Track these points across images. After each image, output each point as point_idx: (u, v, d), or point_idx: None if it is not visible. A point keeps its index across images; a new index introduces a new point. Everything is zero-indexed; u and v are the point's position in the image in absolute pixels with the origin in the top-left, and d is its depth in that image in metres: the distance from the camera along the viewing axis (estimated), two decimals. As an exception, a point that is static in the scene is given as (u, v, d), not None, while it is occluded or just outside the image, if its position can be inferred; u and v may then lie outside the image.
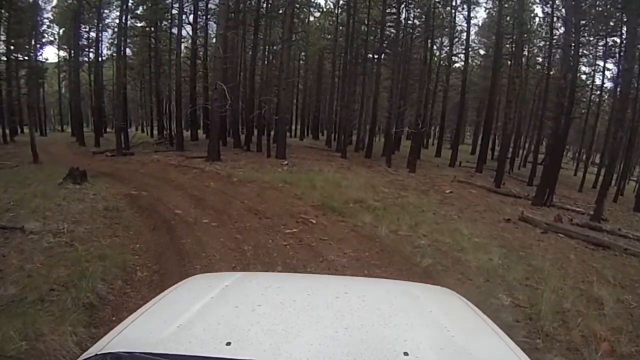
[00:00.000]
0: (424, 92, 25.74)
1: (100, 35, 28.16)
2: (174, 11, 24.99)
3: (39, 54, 33.40)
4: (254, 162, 17.82)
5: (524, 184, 21.13)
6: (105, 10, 29.26)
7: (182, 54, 29.16)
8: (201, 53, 28.21)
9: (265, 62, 26.93)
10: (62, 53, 36.17)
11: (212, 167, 15.22)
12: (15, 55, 30.40)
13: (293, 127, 42.72)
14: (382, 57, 26.49)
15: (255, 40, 25.87)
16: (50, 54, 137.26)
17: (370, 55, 28.98)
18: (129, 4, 25.21)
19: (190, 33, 25.41)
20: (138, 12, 30.99)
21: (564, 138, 18.32)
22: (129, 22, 31.72)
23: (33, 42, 31.94)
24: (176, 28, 22.98)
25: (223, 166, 15.57)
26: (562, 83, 15.62)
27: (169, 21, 27.01)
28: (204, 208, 9.20)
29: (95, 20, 25.48)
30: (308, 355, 1.10)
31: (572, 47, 15.61)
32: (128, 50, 33.99)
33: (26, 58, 32.35)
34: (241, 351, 1.10)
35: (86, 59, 30.44)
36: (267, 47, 27.07)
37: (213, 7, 27.42)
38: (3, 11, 26.52)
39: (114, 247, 6.16)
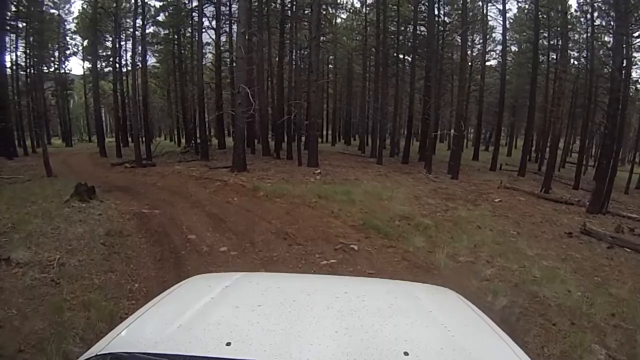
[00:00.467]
0: (465, 91, 23.86)
1: (119, 44, 27.88)
2: (196, 17, 24.62)
3: (64, 65, 34.33)
4: (283, 171, 16.37)
5: (569, 187, 18.92)
6: (128, 20, 29.10)
7: (206, 60, 29.03)
8: (227, 59, 27.52)
9: (293, 66, 25.64)
10: (87, 64, 35.96)
11: (237, 178, 13.85)
12: (39, 66, 31.05)
13: (324, 132, 41.62)
14: (414, 56, 25.33)
15: (281, 43, 24.96)
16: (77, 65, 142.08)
17: (401, 56, 27.81)
18: (150, 11, 25.05)
19: (214, 38, 24.70)
20: (159, 18, 31.06)
21: (620, 137, 16.58)
22: (151, 29, 32.00)
23: (57, 54, 33.02)
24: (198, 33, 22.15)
25: (249, 177, 14.18)
26: (617, 76, 13.53)
27: (191, 27, 26.95)
28: (223, 231, 7.78)
29: (113, 29, 24.84)
30: (308, 355, 1.11)
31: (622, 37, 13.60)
32: (152, 59, 34.75)
33: (51, 69, 33.70)
34: (241, 351, 1.11)
35: (111, 68, 30.00)
36: (294, 50, 25.81)
37: (237, 11, 26.52)
38: (22, 24, 26.48)
39: (107, 288, 5.17)
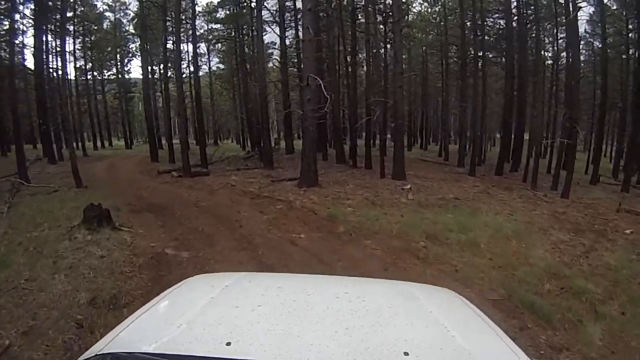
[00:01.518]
0: (575, 90, 19.19)
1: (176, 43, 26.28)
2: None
3: (125, 68, 34.24)
4: (364, 186, 13.09)
5: None
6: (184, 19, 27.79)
7: (271, 59, 27.29)
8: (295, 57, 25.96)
9: (369, 60, 22.29)
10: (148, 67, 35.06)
11: (306, 197, 10.71)
12: (100, 70, 31.20)
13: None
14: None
15: (353, 34, 21.88)
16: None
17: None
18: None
19: (278, 32, 22.84)
20: (218, 15, 30.16)
21: None
22: (205, 25, 32.03)
23: (118, 57, 33.00)
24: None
25: (321, 196, 10.98)
26: None
27: (251, 21, 25.01)
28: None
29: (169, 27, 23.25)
30: (308, 355, 1.11)
31: None
32: (215, 59, 34.90)
33: (112, 72, 33.88)
34: (241, 351, 1.12)
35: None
36: (370, 42, 22.47)
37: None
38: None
39: None
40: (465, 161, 21.06)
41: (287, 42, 25.66)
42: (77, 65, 31.25)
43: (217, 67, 37.20)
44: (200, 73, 34.26)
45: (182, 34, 28.00)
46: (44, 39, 18.50)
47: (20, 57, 20.96)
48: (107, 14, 32.67)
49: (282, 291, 1.65)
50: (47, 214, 8.69)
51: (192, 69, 19.49)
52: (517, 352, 1.29)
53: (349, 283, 2.02)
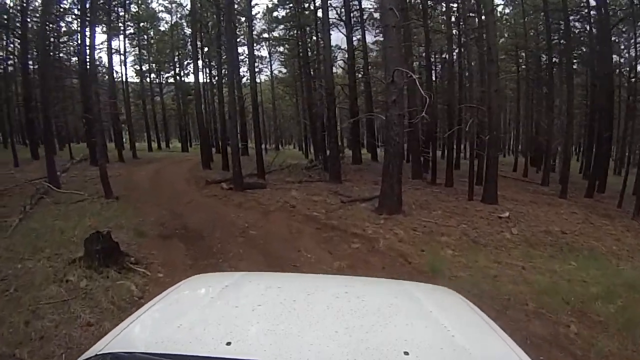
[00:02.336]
0: None
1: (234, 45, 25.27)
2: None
3: (185, 71, 33.62)
4: (454, 212, 10.52)
5: None
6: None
7: (335, 61, 25.86)
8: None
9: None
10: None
11: (389, 230, 8.19)
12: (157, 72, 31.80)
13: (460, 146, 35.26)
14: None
15: (426, 33, 19.41)
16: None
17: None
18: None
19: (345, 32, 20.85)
20: (277, 14, 29.60)
21: None
22: (271, 26, 31.33)
23: (176, 59, 32.65)
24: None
25: (408, 228, 8.47)
26: None
27: (316, 23, 24.30)
28: None
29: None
30: (308, 355, 1.11)
31: None
32: (277, 63, 34.08)
33: (170, 75, 33.95)
34: (241, 351, 1.12)
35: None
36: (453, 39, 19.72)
37: (368, 6, 24.32)
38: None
39: None
40: (548, 178, 19.06)
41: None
42: (131, 65, 31.87)
43: (279, 71, 36.44)
44: (263, 77, 34.01)
45: (241, 37, 28.01)
46: (87, 35, 17.46)
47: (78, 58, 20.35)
48: (164, 15, 32.48)
49: (282, 291, 1.63)
50: (56, 234, 7.20)
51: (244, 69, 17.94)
52: (518, 352, 1.28)
53: (349, 283, 2.03)
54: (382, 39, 28.58)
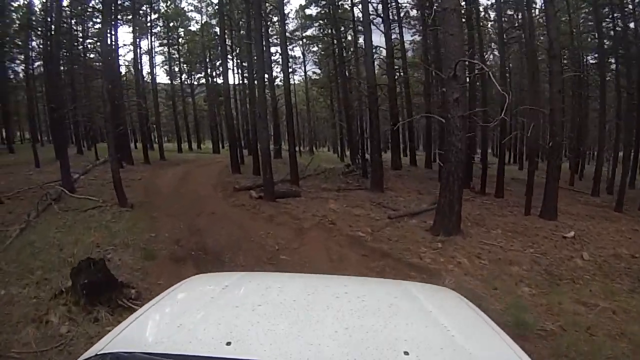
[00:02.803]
0: None
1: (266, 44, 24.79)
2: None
3: (217, 71, 32.72)
4: (514, 229, 9.07)
5: None
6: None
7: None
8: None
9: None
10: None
11: (450, 257, 6.81)
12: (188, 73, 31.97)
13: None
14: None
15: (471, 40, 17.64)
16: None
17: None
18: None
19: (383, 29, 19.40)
20: (309, 12, 28.85)
21: None
22: (304, 23, 30.81)
23: (208, 60, 32.16)
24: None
25: (472, 255, 7.08)
26: None
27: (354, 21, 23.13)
28: None
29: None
30: (308, 355, 1.12)
31: None
32: (310, 63, 33.25)
33: (201, 75, 33.57)
34: (241, 351, 1.12)
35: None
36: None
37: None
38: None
39: None
40: (599, 189, 17.32)
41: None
42: (160, 66, 31.84)
43: (313, 72, 35.36)
44: (296, 78, 33.30)
45: (273, 36, 27.56)
46: (110, 34, 16.77)
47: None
48: (193, 14, 32.30)
49: (282, 291, 1.65)
50: (54, 252, 6.29)
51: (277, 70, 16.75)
52: (518, 351, 1.28)
53: (349, 283, 2.01)
54: (419, 37, 27.56)
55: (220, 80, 32.01)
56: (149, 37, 27.43)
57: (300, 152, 29.71)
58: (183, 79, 33.74)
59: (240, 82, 29.42)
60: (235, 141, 17.08)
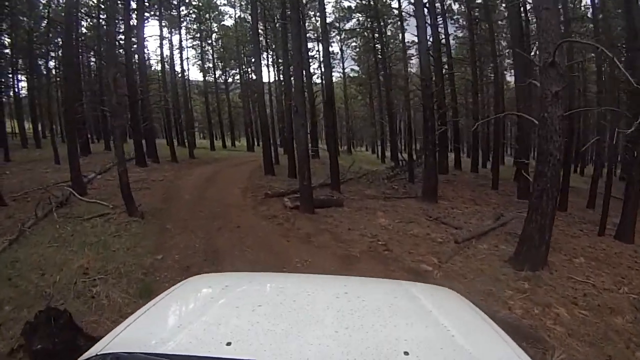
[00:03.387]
0: None
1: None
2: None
3: (251, 68, 31.67)
4: (597, 259, 7.27)
5: None
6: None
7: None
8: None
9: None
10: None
11: (544, 302, 5.11)
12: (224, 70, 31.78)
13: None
14: None
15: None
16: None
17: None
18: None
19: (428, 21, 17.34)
20: (348, 4, 27.76)
21: None
22: (346, 25, 29.67)
23: (242, 56, 31.92)
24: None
25: (566, 299, 5.33)
26: None
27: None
28: None
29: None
30: (308, 355, 1.12)
31: None
32: (348, 61, 31.92)
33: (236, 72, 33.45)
34: (241, 351, 1.12)
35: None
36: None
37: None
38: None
39: None
40: None
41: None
42: (193, 63, 31.20)
43: (352, 69, 33.70)
44: (334, 74, 31.14)
45: (310, 31, 26.22)
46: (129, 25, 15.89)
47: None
48: (227, 8, 30.96)
49: (282, 291, 1.67)
50: (32, 278, 5.01)
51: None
52: (518, 352, 1.28)
53: (349, 283, 1.99)
54: (462, 33, 25.55)
55: (255, 76, 31.19)
56: (180, 31, 26.69)
57: (339, 152, 28.24)
58: (217, 75, 32.71)
59: (276, 78, 28.40)
60: (269, 140, 15.46)
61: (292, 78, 13.85)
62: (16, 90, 23.36)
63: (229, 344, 1.13)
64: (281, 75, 26.22)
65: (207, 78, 32.64)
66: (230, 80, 33.90)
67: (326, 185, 11.97)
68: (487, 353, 1.27)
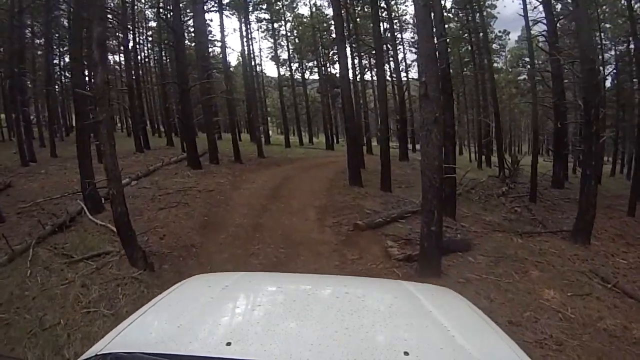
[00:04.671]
0: None
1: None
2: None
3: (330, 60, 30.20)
4: None
5: None
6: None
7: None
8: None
9: None
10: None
11: None
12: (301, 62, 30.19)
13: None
14: None
15: None
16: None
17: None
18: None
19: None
20: None
21: None
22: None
23: (320, 47, 29.48)
24: None
25: None
26: None
27: None
28: None
29: None
30: (308, 355, 1.10)
31: None
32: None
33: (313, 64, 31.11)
34: (241, 351, 1.10)
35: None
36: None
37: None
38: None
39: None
40: None
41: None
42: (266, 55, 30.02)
43: None
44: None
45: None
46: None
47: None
48: None
49: (282, 291, 1.66)
50: None
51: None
52: (518, 352, 1.25)
53: (349, 283, 2.00)
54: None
55: (334, 70, 28.63)
56: (248, 18, 24.39)
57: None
58: (293, 68, 30.39)
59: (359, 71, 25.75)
60: (356, 140, 11.78)
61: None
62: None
63: (229, 344, 1.09)
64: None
65: (282, 72, 30.49)
66: (307, 73, 31.54)
67: (448, 201, 8.40)
68: (487, 353, 1.23)
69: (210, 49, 21.92)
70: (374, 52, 18.55)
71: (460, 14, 23.58)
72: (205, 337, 1.20)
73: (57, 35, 18.46)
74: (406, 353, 1.10)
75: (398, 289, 1.81)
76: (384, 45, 23.88)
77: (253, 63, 26.38)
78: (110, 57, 23.27)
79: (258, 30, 28.17)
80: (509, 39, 30.57)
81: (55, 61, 20.35)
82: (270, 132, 31.92)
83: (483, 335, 1.40)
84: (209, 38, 20.77)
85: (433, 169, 4.86)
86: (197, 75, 14.24)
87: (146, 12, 25.16)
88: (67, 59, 20.63)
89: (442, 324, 1.34)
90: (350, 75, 24.17)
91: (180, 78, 12.08)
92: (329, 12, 26.00)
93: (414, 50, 26.86)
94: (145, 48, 27.56)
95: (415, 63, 26.35)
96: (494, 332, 1.40)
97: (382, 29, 23.84)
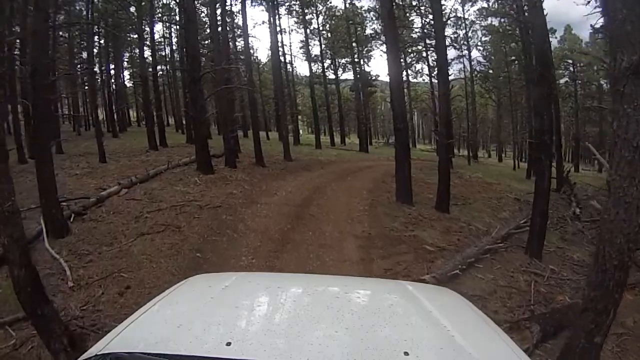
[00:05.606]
0: None
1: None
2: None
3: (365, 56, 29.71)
4: None
5: None
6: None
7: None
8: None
9: None
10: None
11: None
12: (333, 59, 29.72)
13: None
14: None
15: None
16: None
17: None
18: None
19: None
20: None
21: None
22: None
23: (354, 45, 28.89)
24: None
25: None
26: None
27: None
28: None
29: None
30: (308, 355, 1.08)
31: None
32: (475, 52, 27.32)
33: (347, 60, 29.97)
34: (241, 351, 1.08)
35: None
36: None
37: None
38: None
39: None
40: None
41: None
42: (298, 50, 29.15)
43: (478, 62, 27.67)
44: (455, 68, 25.89)
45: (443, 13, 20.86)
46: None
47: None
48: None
49: (282, 291, 1.63)
50: None
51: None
52: (518, 352, 1.25)
53: (349, 283, 1.98)
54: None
55: (368, 67, 27.14)
56: (278, 10, 22.86)
57: (469, 160, 22.35)
58: (325, 65, 28.96)
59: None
60: (407, 146, 9.07)
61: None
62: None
63: (228, 344, 1.07)
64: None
65: (313, 69, 28.85)
66: (340, 70, 30.00)
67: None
68: (487, 353, 1.23)
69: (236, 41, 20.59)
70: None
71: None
72: (205, 337, 1.16)
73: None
74: (406, 353, 1.08)
75: (398, 289, 1.78)
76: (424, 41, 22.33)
77: (283, 58, 24.80)
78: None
79: (287, 23, 26.86)
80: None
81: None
82: (301, 132, 30.80)
83: (483, 335, 1.38)
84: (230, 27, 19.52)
85: (621, 246, 2.62)
86: (213, 63, 12.13)
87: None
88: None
89: (442, 324, 1.31)
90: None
91: (191, 64, 10.10)
92: (363, 3, 24.76)
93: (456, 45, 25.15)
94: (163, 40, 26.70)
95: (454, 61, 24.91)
96: (494, 332, 1.38)
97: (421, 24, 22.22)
